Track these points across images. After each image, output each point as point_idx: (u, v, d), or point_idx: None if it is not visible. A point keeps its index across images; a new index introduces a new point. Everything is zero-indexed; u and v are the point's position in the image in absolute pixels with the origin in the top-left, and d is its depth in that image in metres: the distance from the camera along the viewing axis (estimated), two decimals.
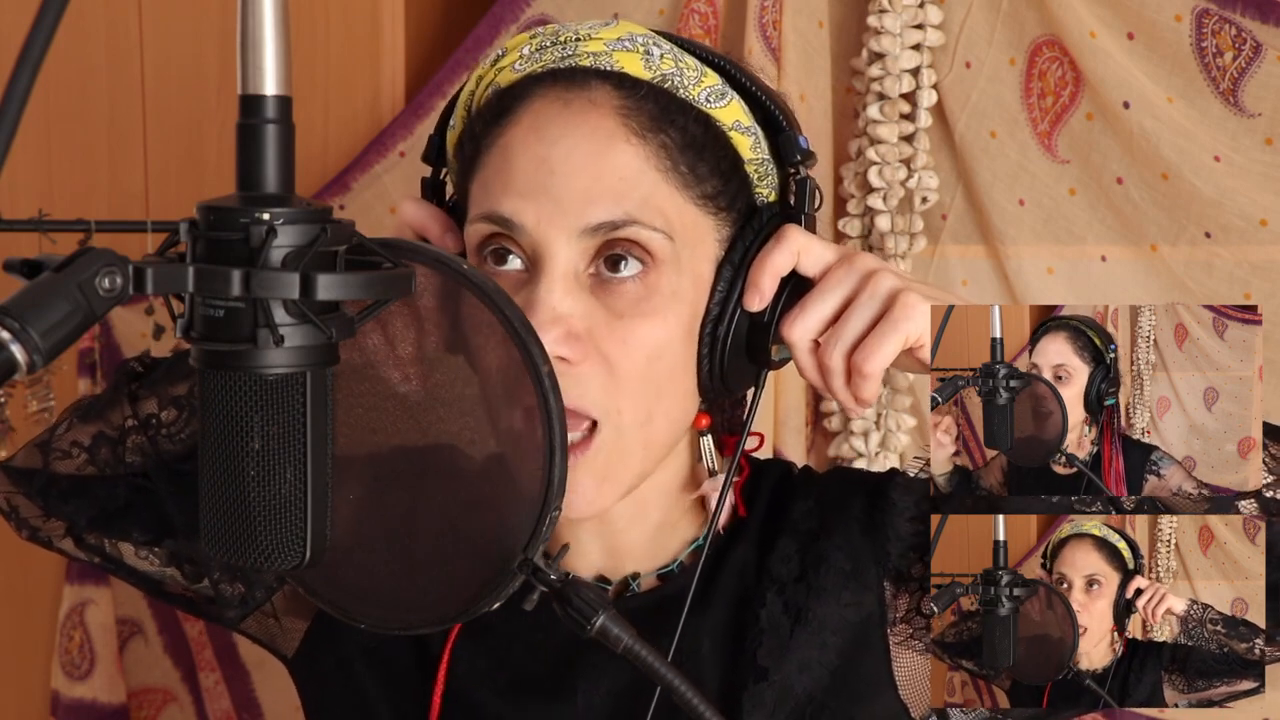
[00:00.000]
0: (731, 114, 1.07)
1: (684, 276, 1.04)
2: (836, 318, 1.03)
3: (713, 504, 1.11)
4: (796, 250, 1.05)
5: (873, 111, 1.90)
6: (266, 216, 0.73)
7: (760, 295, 1.05)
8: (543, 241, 1.02)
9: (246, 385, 0.74)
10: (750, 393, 1.12)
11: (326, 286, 0.73)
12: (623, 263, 1.03)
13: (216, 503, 0.77)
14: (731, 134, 1.07)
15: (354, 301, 0.76)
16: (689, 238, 1.05)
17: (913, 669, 1.12)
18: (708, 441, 1.13)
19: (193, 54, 2.15)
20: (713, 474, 1.13)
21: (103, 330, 2.20)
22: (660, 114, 1.04)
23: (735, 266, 1.06)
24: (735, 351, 1.06)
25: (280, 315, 0.73)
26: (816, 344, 1.04)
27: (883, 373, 1.02)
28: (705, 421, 1.12)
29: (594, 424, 1.03)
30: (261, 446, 0.75)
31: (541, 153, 1.03)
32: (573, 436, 1.02)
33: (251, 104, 0.75)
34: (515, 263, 1.04)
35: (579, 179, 1.02)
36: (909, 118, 1.91)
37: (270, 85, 0.75)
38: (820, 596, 1.10)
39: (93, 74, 2.18)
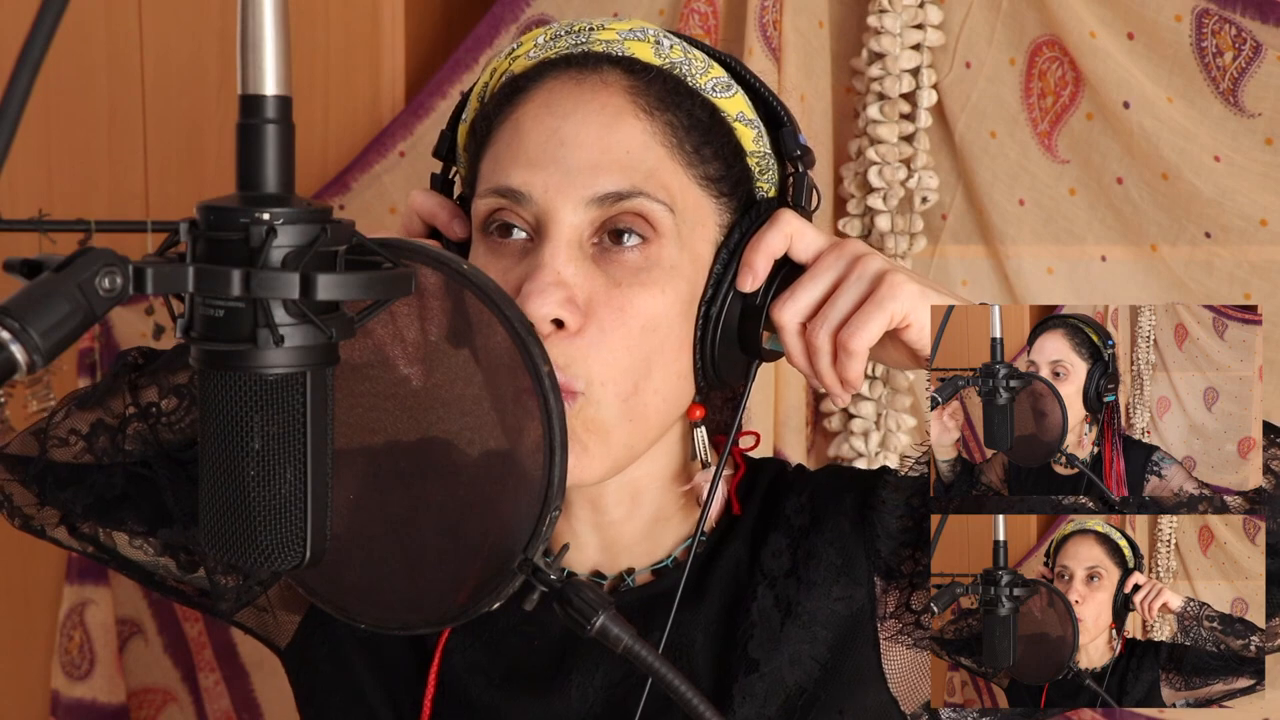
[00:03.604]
0: (736, 105, 1.09)
1: (684, 253, 1.06)
2: (825, 301, 1.04)
3: (704, 497, 1.12)
4: (790, 234, 1.06)
5: (873, 111, 1.90)
6: (266, 216, 0.73)
7: (753, 275, 1.06)
8: (549, 210, 1.04)
9: (246, 385, 0.74)
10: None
11: (326, 286, 0.73)
12: (626, 235, 1.04)
13: (216, 503, 0.77)
14: (736, 125, 1.09)
15: (354, 301, 0.76)
16: (691, 216, 1.06)
17: (903, 663, 1.12)
18: (701, 433, 1.13)
19: (193, 54, 2.15)
20: (705, 466, 1.13)
21: (103, 330, 2.20)
22: (668, 95, 1.07)
23: (731, 250, 1.08)
24: (727, 335, 1.07)
25: (280, 315, 0.73)
26: (805, 329, 1.05)
27: (867, 351, 1.03)
28: (700, 413, 1.13)
29: (583, 390, 1.04)
30: (261, 446, 0.75)
31: (553, 125, 1.05)
32: None
33: (251, 104, 0.75)
34: (520, 235, 1.06)
35: (588, 151, 1.04)
36: (909, 118, 1.91)
37: (270, 85, 0.75)
38: (811, 590, 1.11)
39: (93, 74, 2.18)
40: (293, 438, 0.75)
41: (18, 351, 0.67)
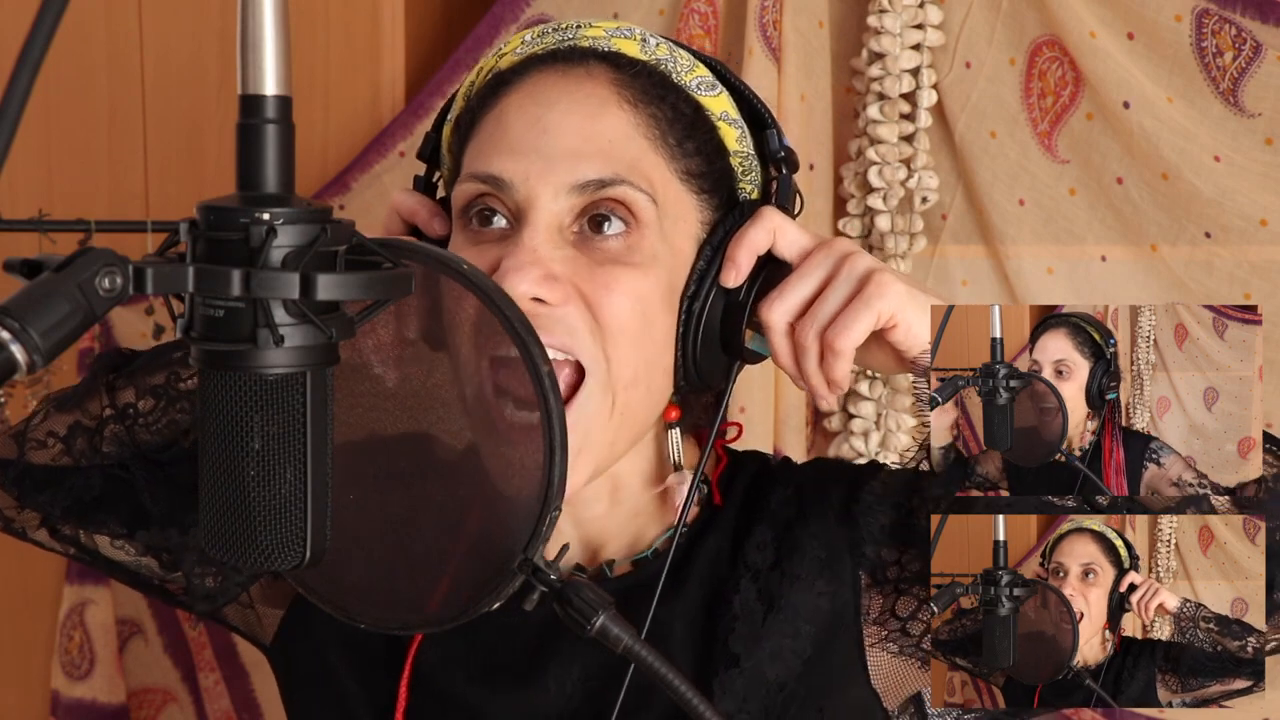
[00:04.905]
0: (720, 105, 1.10)
1: (665, 245, 1.06)
2: (813, 301, 1.04)
3: (678, 496, 1.12)
4: (773, 230, 1.07)
5: (873, 111, 1.90)
6: (266, 216, 0.73)
7: (737, 271, 1.06)
8: (529, 196, 1.04)
9: (246, 385, 0.74)
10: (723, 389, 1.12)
11: (326, 286, 0.73)
12: (606, 223, 1.05)
13: (216, 503, 0.77)
14: (719, 123, 1.10)
15: (354, 301, 0.76)
16: (672, 210, 1.07)
17: (887, 665, 1.12)
18: (675, 434, 1.13)
19: (193, 54, 2.15)
20: (678, 468, 1.13)
21: (103, 330, 2.20)
22: (652, 89, 1.08)
23: (715, 247, 1.08)
24: (710, 332, 1.07)
25: (280, 315, 0.73)
26: (792, 329, 1.05)
27: (854, 351, 1.03)
28: (676, 414, 1.13)
29: (579, 373, 1.04)
30: (261, 446, 0.75)
31: (536, 114, 1.06)
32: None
33: (251, 104, 0.75)
34: (500, 222, 1.06)
35: (570, 139, 1.05)
36: (909, 118, 1.91)
37: (270, 85, 0.75)
38: (794, 584, 1.11)
39: (93, 74, 2.18)
40: (293, 438, 0.75)
41: (18, 351, 0.68)
